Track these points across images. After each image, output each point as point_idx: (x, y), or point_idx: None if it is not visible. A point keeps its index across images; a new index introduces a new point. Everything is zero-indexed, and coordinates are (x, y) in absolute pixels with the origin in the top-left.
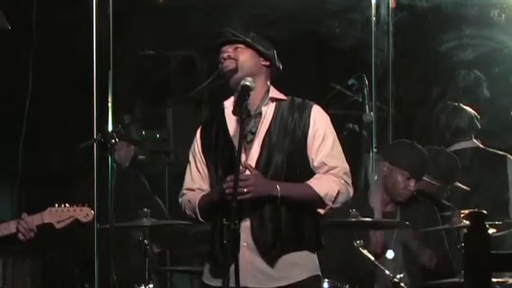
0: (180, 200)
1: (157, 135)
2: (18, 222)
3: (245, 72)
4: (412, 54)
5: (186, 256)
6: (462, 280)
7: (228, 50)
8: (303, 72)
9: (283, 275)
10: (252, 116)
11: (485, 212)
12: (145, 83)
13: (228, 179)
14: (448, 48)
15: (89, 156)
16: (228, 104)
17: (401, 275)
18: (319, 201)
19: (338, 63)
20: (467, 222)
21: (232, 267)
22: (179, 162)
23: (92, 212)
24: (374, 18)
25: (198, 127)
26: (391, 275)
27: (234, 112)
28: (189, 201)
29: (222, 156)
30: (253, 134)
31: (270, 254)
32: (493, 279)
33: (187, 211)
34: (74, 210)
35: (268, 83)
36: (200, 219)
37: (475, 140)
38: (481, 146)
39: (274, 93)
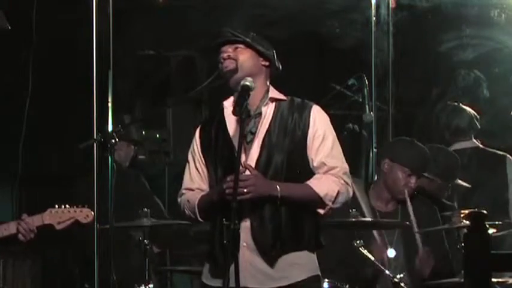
0: (179, 199)
1: (157, 135)
2: (19, 223)
3: (245, 72)
4: (412, 54)
5: (186, 256)
6: (462, 280)
7: (228, 50)
8: (303, 72)
9: (283, 275)
10: (252, 116)
11: (485, 212)
12: (145, 83)
13: (228, 179)
14: (448, 48)
15: (89, 156)
16: (228, 104)
17: (402, 275)
18: (319, 201)
19: (338, 63)
20: (467, 222)
21: (232, 267)
22: (179, 162)
23: (92, 213)
24: (374, 18)
25: (198, 127)
26: (391, 275)
27: (234, 112)
28: (188, 201)
29: (222, 156)
30: (253, 134)
31: (270, 254)
32: (493, 279)
33: (186, 211)
34: (75, 211)
35: (268, 83)
36: (199, 219)
37: (474, 140)
38: (481, 146)
39: (274, 93)
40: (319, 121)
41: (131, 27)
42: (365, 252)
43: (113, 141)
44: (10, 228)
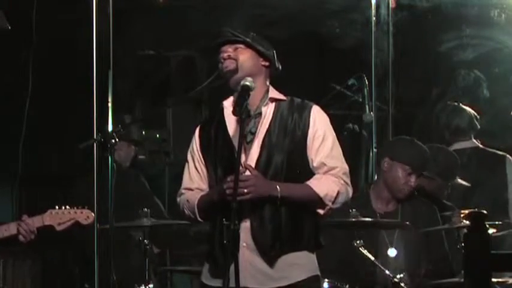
0: (178, 199)
1: (157, 135)
2: (19, 224)
3: (245, 72)
4: (412, 54)
5: (186, 256)
6: (462, 280)
7: (228, 50)
8: (303, 72)
9: (283, 275)
10: (252, 116)
11: (485, 212)
12: (145, 83)
13: (229, 179)
14: (448, 48)
15: (89, 156)
16: (228, 104)
17: (401, 275)
18: (319, 201)
19: (338, 63)
20: (467, 222)
21: (232, 268)
22: (179, 162)
23: (93, 214)
24: (374, 18)
25: (197, 127)
26: (391, 275)
27: (234, 112)
28: (187, 200)
29: (222, 156)
30: (253, 134)
31: (270, 254)
32: (493, 279)
33: (185, 211)
34: (75, 213)
35: (268, 83)
36: (199, 219)
37: (474, 140)
38: (481, 146)
39: (273, 93)
40: (319, 121)
41: (131, 27)
42: (365, 252)
43: (113, 141)
44: (10, 229)
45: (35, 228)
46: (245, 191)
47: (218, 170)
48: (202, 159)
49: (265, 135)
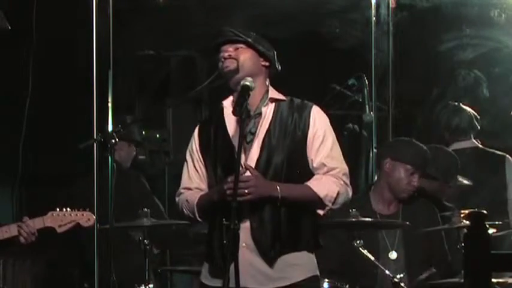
0: (177, 199)
1: (157, 135)
2: (20, 225)
3: (245, 72)
4: (412, 54)
5: (186, 256)
6: (462, 280)
7: (229, 50)
8: (303, 72)
9: (283, 275)
10: (252, 117)
11: (485, 212)
12: (145, 83)
13: (229, 179)
14: (448, 48)
15: (89, 156)
16: (227, 104)
17: (401, 275)
18: (319, 202)
19: (338, 63)
20: (467, 222)
21: (231, 268)
22: (179, 162)
23: (94, 216)
24: (374, 18)
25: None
26: (391, 275)
27: (234, 112)
28: (186, 200)
29: (221, 156)
30: (253, 134)
31: (269, 254)
32: (493, 279)
33: (184, 210)
34: (76, 215)
35: (268, 84)
36: (198, 218)
37: (474, 140)
38: (480, 146)
39: (273, 93)
40: (319, 122)
41: (131, 27)
42: (365, 252)
43: (113, 141)
44: (11, 230)
45: (35, 229)
46: (246, 191)
47: (218, 170)
48: (201, 159)
49: (265, 135)
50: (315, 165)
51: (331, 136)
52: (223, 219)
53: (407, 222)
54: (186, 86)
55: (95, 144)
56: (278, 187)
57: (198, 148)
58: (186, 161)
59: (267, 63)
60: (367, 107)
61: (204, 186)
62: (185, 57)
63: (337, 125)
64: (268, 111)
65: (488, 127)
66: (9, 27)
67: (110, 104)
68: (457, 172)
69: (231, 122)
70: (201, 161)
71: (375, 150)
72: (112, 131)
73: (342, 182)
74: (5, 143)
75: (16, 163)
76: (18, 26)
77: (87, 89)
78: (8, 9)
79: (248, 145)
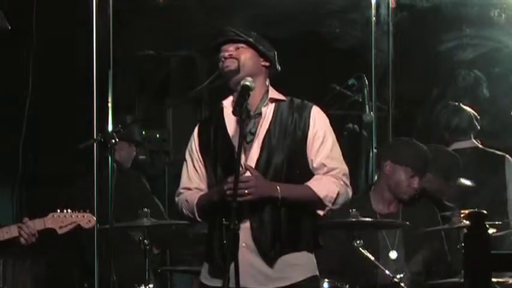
0: (176, 199)
1: (157, 135)
2: (20, 226)
3: (246, 72)
4: (412, 54)
5: (186, 256)
6: (462, 280)
7: (230, 49)
8: (303, 72)
9: (283, 275)
10: (252, 117)
11: (485, 212)
12: (145, 83)
13: (229, 179)
14: (448, 48)
15: (89, 156)
16: (227, 104)
17: (401, 275)
18: (319, 202)
19: (338, 63)
20: (467, 222)
21: (231, 268)
22: (179, 162)
23: (94, 218)
24: (374, 18)
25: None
26: (391, 275)
27: (234, 112)
28: (186, 200)
29: (221, 157)
30: (253, 134)
31: (269, 254)
32: (493, 279)
33: (184, 210)
34: (77, 216)
35: (268, 84)
36: (198, 218)
37: (474, 140)
38: (480, 146)
39: (273, 93)
40: (319, 122)
41: (131, 27)
42: (365, 252)
43: (113, 141)
44: (11, 231)
45: (36, 231)
46: (246, 191)
47: (218, 170)
48: (201, 158)
49: (265, 135)
50: (315, 165)
51: (331, 136)
52: (223, 220)
53: (407, 222)
54: (186, 86)
55: (95, 144)
56: (278, 187)
57: (197, 148)
58: (186, 161)
59: (267, 64)
60: (367, 107)
61: (203, 186)
62: (185, 57)
63: (337, 125)
64: (268, 111)
65: (488, 127)
66: (9, 27)
67: (110, 104)
68: (459, 172)
69: (231, 122)
70: (200, 161)
71: (375, 150)
72: (112, 131)
73: (342, 183)
74: (5, 143)
75: (16, 163)
76: (18, 26)
77: (87, 89)
78: (8, 9)
79: (248, 145)
